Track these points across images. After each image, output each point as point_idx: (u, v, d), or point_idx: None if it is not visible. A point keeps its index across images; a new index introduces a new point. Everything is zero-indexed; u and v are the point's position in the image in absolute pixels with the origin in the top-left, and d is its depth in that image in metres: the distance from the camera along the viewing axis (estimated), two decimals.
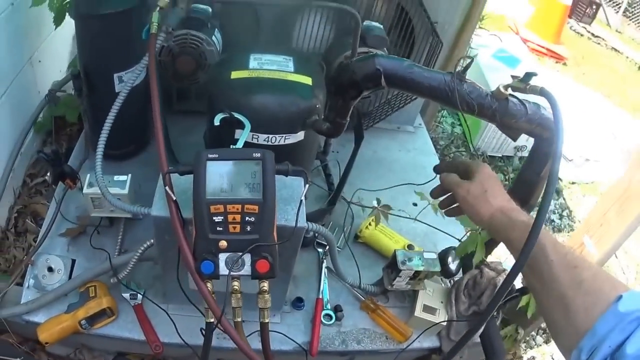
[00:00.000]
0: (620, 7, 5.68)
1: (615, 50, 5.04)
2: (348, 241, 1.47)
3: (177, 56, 1.35)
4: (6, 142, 1.66)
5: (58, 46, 2.09)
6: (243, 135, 0.97)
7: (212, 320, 0.86)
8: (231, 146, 0.92)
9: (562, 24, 4.50)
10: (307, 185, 0.91)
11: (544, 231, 0.72)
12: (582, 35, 5.16)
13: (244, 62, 1.12)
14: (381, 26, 1.44)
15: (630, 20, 5.61)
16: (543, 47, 4.37)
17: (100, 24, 1.31)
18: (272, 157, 0.85)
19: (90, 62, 1.40)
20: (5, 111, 1.60)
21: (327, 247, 1.38)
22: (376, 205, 1.40)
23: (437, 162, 1.86)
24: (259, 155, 0.85)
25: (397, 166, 1.80)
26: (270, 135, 1.09)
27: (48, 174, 1.89)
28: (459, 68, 0.80)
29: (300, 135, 1.15)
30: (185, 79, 1.40)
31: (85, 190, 1.21)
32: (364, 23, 1.44)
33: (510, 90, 0.77)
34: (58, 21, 1.69)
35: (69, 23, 1.73)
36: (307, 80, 1.12)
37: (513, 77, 0.81)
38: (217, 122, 0.98)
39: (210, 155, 0.84)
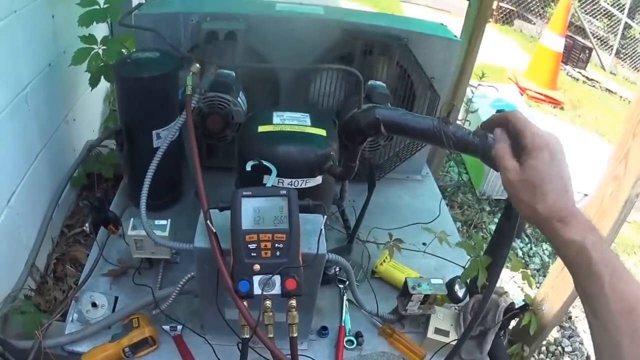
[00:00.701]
0: (612, 48, 5.96)
1: (610, 91, 5.28)
2: (366, 276, 1.60)
3: (207, 116, 1.54)
4: (45, 194, 1.79)
5: (90, 107, 2.27)
6: (270, 179, 1.15)
7: (247, 336, 1.00)
8: None
9: (556, 71, 4.76)
10: (325, 217, 1.07)
11: (599, 248, 0.63)
12: (577, 80, 5.42)
13: (269, 118, 1.32)
14: (384, 84, 1.64)
15: (623, 61, 5.88)
16: (541, 94, 4.61)
17: (140, 86, 1.48)
18: (295, 194, 1.03)
19: (131, 120, 1.56)
20: (44, 165, 1.74)
21: (347, 282, 1.52)
22: (389, 240, 1.55)
23: (444, 205, 2.01)
24: (284, 192, 1.03)
25: (407, 211, 1.94)
26: (293, 180, 1.26)
27: (86, 224, 2.05)
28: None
29: (318, 180, 1.32)
30: (214, 136, 1.59)
31: (129, 232, 1.35)
32: (369, 82, 1.63)
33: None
34: (94, 83, 1.87)
35: (100, 85, 1.91)
36: (322, 132, 1.32)
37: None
38: (248, 168, 1.16)
39: (244, 193, 1.01)
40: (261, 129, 1.29)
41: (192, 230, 1.10)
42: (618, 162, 1.24)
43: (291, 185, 1.27)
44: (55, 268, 1.81)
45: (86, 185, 2.10)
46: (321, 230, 1.07)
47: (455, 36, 1.86)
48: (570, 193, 0.69)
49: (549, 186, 0.68)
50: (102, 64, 1.86)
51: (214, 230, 1.02)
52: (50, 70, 1.76)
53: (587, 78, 5.51)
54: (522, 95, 4.55)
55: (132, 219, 1.37)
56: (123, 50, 1.90)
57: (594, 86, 5.39)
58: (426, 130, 0.94)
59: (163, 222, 1.37)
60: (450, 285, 1.41)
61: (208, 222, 1.02)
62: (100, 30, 1.90)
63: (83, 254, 1.85)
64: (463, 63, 2.18)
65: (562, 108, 4.55)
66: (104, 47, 1.86)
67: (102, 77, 1.88)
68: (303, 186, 1.29)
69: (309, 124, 1.32)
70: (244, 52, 1.64)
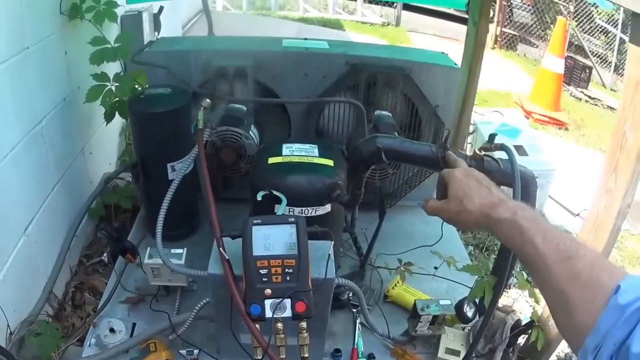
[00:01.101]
0: (611, 65, 5.97)
1: (611, 108, 5.28)
2: (378, 301, 1.63)
3: (220, 149, 1.60)
4: (62, 224, 1.85)
5: (107, 140, 2.35)
6: (281, 209, 1.21)
7: (259, 357, 1.04)
8: None
9: (559, 92, 4.80)
10: (332, 242, 1.12)
11: (531, 219, 0.70)
12: (580, 99, 5.45)
13: (278, 150, 1.39)
14: (390, 114, 1.70)
15: (621, 77, 5.86)
16: (545, 116, 4.65)
17: (153, 120, 1.56)
18: (303, 221, 1.08)
19: (146, 153, 1.63)
20: (61, 196, 1.81)
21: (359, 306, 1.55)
22: (399, 265, 1.58)
23: (454, 230, 2.01)
24: (293, 219, 1.09)
25: (418, 236, 1.92)
26: (303, 208, 1.32)
27: (104, 254, 2.11)
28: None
29: (327, 208, 1.37)
30: (228, 168, 1.65)
31: (146, 261, 1.40)
32: (376, 112, 1.70)
33: (483, 152, 1.00)
34: (109, 118, 1.94)
35: (116, 120, 1.98)
36: (330, 162, 1.38)
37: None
38: (259, 198, 1.22)
39: (255, 221, 1.07)
40: (271, 160, 1.36)
41: (209, 259, 1.16)
42: (609, 175, 1.26)
43: (301, 213, 1.32)
44: (73, 296, 1.86)
45: (104, 216, 2.17)
46: (329, 255, 1.12)
47: (456, 64, 1.92)
48: (494, 191, 0.82)
49: (472, 193, 0.83)
50: (115, 99, 1.93)
51: (227, 257, 1.08)
52: (65, 105, 1.84)
53: (589, 97, 5.54)
54: (527, 118, 4.59)
55: (148, 248, 1.42)
56: (136, 86, 1.98)
57: (596, 104, 5.42)
58: (425, 156, 0.99)
59: (179, 250, 1.42)
60: (459, 305, 1.44)
61: (221, 249, 1.08)
62: (112, 66, 1.97)
63: (101, 282, 1.89)
64: (465, 89, 2.25)
65: (566, 129, 4.59)
66: (117, 84, 1.94)
67: (117, 112, 1.96)
68: (313, 214, 1.34)
69: (317, 154, 1.39)
70: (254, 86, 1.71)
